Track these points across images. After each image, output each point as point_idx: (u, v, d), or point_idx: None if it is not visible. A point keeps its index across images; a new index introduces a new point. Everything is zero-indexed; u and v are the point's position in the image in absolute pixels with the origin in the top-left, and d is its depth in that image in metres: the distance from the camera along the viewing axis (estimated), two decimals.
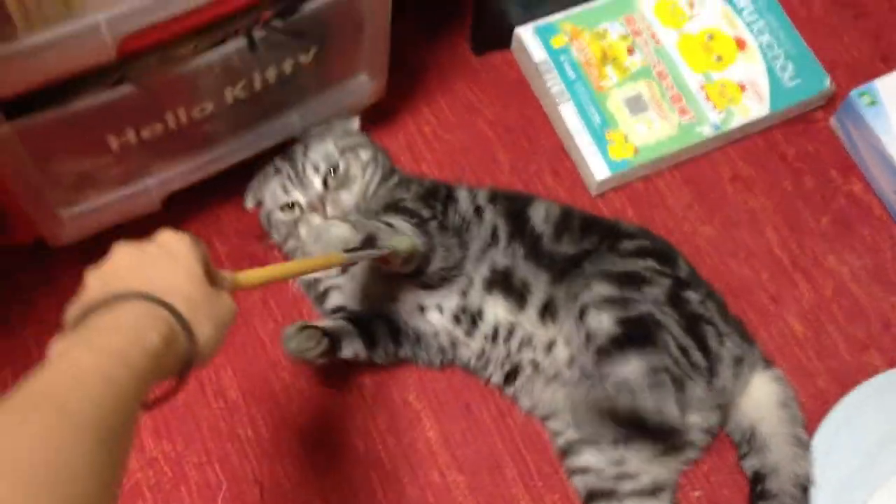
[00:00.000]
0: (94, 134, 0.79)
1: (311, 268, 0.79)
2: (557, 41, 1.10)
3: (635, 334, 0.85)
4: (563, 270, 0.92)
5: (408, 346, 0.93)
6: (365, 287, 0.93)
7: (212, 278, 0.60)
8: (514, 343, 0.91)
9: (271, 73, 0.86)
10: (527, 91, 1.11)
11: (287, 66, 0.87)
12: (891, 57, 1.15)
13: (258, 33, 0.80)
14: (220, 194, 1.00)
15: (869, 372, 0.99)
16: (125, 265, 0.58)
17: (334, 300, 0.94)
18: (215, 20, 0.76)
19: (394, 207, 0.92)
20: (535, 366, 0.91)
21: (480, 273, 0.92)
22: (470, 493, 0.92)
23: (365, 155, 0.97)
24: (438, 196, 0.96)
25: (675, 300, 0.90)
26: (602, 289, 0.88)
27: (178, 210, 0.96)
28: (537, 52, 1.09)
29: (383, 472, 0.92)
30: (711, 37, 1.11)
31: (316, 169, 0.93)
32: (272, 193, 0.95)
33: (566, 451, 0.91)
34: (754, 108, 1.08)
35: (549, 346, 0.91)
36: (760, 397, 0.92)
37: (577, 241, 0.94)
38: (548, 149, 1.09)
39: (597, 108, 1.07)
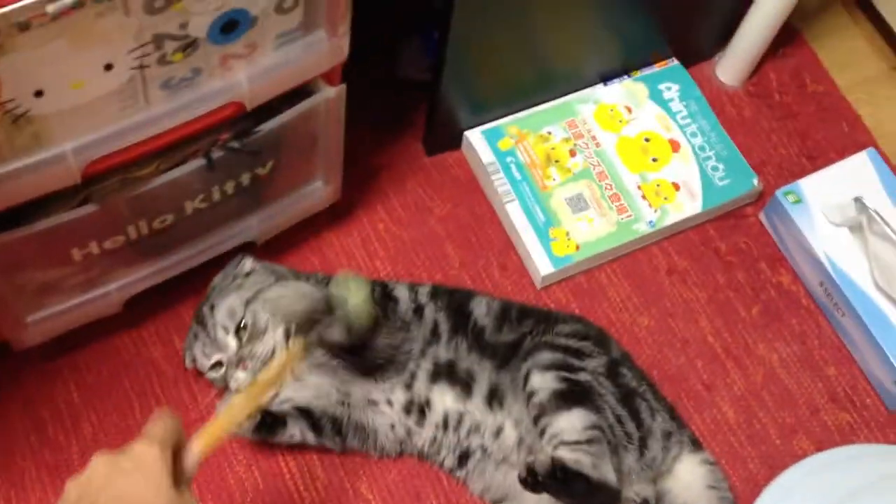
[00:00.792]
0: (57, 248, 0.84)
1: (262, 393, 0.79)
2: (504, 144, 1.17)
3: (577, 392, 0.90)
4: (506, 357, 0.97)
5: (355, 439, 0.97)
6: (315, 384, 0.96)
7: (177, 478, 0.65)
8: (464, 430, 0.96)
9: (230, 186, 0.92)
10: (476, 190, 1.18)
11: (245, 179, 0.93)
12: (816, 155, 1.24)
13: (217, 153, 0.86)
14: (180, 291, 1.04)
15: (798, 455, 1.04)
16: (100, 478, 0.64)
17: (283, 394, 0.97)
18: (175, 143, 0.82)
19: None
20: (485, 450, 0.95)
21: (424, 368, 0.96)
22: None
23: (272, 294, 0.95)
24: (375, 298, 0.97)
25: (611, 373, 0.96)
26: (546, 355, 0.94)
27: (139, 310, 1.01)
28: (485, 153, 1.16)
29: None
30: (648, 139, 1.19)
31: (225, 329, 0.92)
32: (198, 359, 0.95)
33: None
34: (688, 205, 1.15)
35: (498, 432, 0.95)
36: (690, 480, 0.97)
37: (515, 329, 1.00)
38: (496, 245, 1.15)
39: (541, 207, 1.14)
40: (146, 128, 0.79)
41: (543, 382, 0.91)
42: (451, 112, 1.15)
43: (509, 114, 1.19)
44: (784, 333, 1.12)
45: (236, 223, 0.99)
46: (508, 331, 0.99)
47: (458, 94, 1.13)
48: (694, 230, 1.17)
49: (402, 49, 1.21)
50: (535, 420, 0.91)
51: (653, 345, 1.10)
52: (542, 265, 1.10)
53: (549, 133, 1.18)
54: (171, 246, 0.95)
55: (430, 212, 1.16)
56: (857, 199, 1.12)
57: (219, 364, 0.94)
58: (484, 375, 0.96)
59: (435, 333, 0.98)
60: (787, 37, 1.30)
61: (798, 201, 1.14)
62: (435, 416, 0.96)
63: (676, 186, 1.16)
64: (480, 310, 1.01)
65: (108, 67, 0.72)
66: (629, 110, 1.21)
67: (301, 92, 0.89)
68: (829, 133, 1.25)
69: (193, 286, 1.03)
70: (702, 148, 1.19)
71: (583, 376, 0.93)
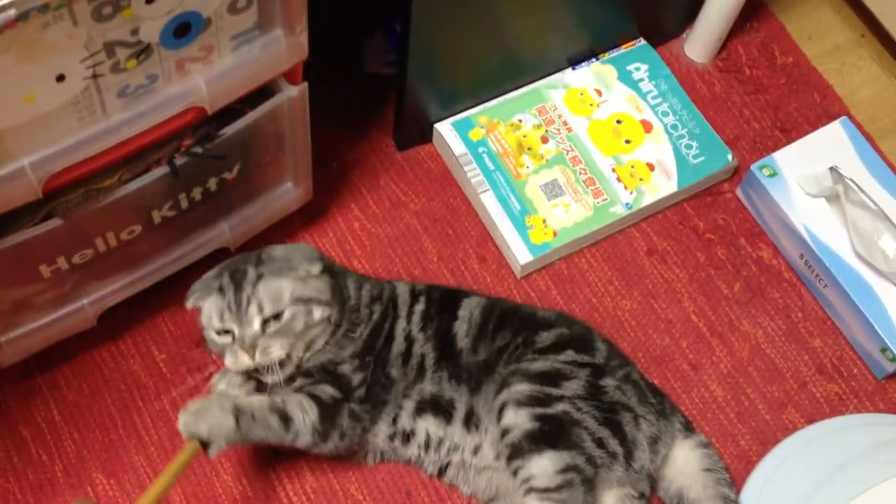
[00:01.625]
0: (24, 265, 0.83)
1: (179, 470, 0.82)
2: (475, 134, 1.16)
3: (550, 431, 0.89)
4: (479, 380, 0.95)
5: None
6: None
7: None
8: (444, 450, 0.96)
9: (197, 192, 0.91)
10: (450, 182, 1.17)
11: (212, 184, 0.92)
12: (789, 127, 1.23)
13: (180, 160, 0.85)
14: (155, 300, 1.03)
15: (788, 429, 1.04)
16: None
17: None
18: (137, 152, 0.81)
19: (328, 373, 0.92)
20: (465, 463, 0.96)
21: (408, 406, 0.95)
22: None
23: (318, 314, 0.90)
24: (376, 347, 0.95)
25: (592, 390, 0.93)
26: (521, 387, 0.91)
27: (115, 323, 1.00)
28: (456, 145, 1.15)
29: None
30: (620, 121, 1.18)
31: (260, 309, 0.88)
32: (209, 313, 0.90)
33: None
34: (663, 185, 1.15)
35: (476, 450, 0.95)
36: (685, 465, 0.97)
37: (489, 346, 0.97)
38: (473, 236, 1.14)
39: (516, 196, 1.13)
40: (105, 138, 0.78)
41: (517, 419, 0.89)
42: (419, 105, 1.14)
43: (478, 104, 1.18)
44: (767, 308, 1.12)
45: (207, 230, 0.98)
46: (483, 349, 0.97)
47: (425, 87, 1.12)
48: (671, 209, 1.17)
49: (366, 44, 1.20)
50: (508, 460, 0.90)
51: (637, 327, 1.10)
52: (520, 254, 1.10)
53: (520, 121, 1.17)
54: (143, 257, 0.94)
55: (405, 207, 1.15)
56: (833, 169, 1.12)
57: (226, 332, 0.89)
58: (461, 401, 0.95)
59: (421, 370, 0.96)
60: (754, 10, 1.29)
61: (774, 174, 1.14)
62: (419, 439, 0.96)
63: (651, 167, 1.16)
64: (462, 329, 0.98)
65: (61, 78, 0.71)
66: (599, 93, 1.20)
67: (264, 93, 0.88)
68: (801, 104, 1.25)
69: (169, 296, 1.02)
70: (674, 127, 1.18)
71: (559, 407, 0.90)
